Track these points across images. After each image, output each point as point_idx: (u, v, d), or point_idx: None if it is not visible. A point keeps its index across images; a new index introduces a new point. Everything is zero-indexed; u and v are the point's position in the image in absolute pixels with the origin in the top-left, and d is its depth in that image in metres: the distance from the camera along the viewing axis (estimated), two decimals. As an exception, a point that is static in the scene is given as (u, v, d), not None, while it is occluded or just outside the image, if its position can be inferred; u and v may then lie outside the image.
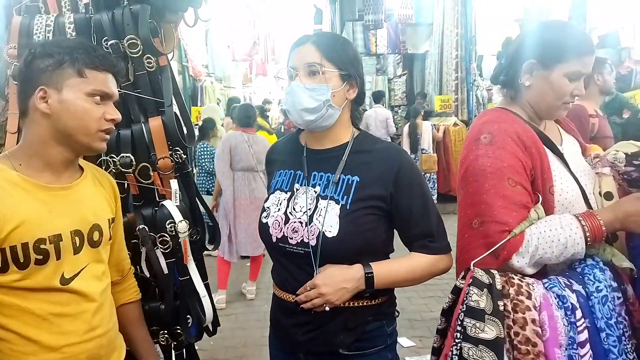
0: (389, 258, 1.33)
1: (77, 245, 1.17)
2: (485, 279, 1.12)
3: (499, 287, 1.11)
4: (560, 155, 1.29)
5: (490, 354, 1.06)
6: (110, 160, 1.58)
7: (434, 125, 7.32)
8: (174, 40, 1.68)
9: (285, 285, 1.30)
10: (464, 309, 1.10)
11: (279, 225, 1.29)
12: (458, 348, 1.10)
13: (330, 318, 1.24)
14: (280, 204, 1.32)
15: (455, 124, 7.37)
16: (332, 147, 1.32)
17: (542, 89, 1.28)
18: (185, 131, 1.68)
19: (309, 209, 1.26)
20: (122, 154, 1.58)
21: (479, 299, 1.09)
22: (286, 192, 1.33)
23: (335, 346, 1.26)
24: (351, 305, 1.24)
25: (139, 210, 1.60)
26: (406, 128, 7.24)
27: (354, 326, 1.25)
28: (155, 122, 1.59)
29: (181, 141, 1.62)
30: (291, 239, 1.26)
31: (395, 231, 1.34)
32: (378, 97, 8.25)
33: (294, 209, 1.29)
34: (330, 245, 1.20)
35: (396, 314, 1.37)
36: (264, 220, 1.33)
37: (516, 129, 1.25)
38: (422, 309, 3.99)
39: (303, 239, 1.24)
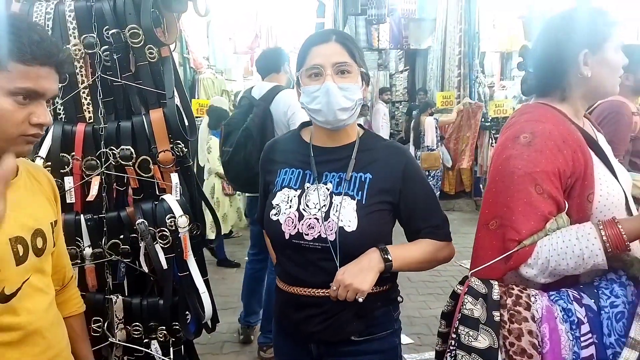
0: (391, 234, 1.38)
1: (21, 254, 0.99)
2: (481, 288, 1.12)
3: (495, 297, 1.11)
4: (604, 158, 1.24)
5: None
6: (110, 152, 1.56)
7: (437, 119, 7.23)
8: (176, 31, 1.64)
9: (296, 280, 1.31)
10: (459, 317, 1.10)
11: (292, 222, 1.28)
12: (453, 355, 1.11)
13: (342, 308, 1.26)
14: (291, 200, 1.31)
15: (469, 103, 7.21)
16: (340, 145, 1.35)
17: (602, 73, 1.25)
18: (186, 124, 1.65)
19: (324, 206, 1.27)
20: (122, 147, 1.55)
21: (473, 308, 1.10)
22: (296, 190, 1.32)
23: (348, 334, 1.30)
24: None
25: (138, 204, 1.57)
26: (413, 123, 7.18)
27: (364, 313, 1.29)
28: (156, 114, 1.56)
29: (182, 134, 1.59)
30: (307, 234, 1.26)
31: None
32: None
33: (307, 205, 1.29)
34: (349, 239, 1.23)
35: (400, 299, 1.41)
36: (274, 218, 1.31)
37: (561, 131, 1.19)
38: (421, 306, 3.97)
39: (320, 234, 1.25)
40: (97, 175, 1.57)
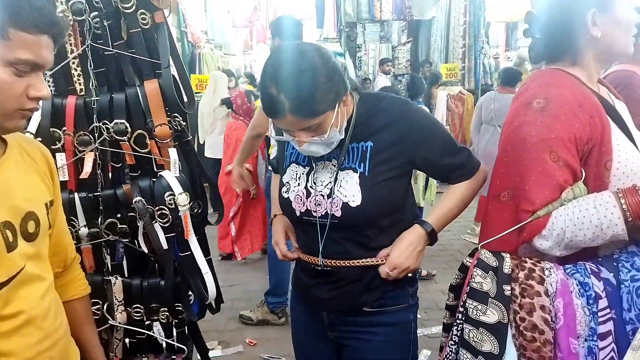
0: (414, 210, 1.40)
1: (10, 240, 0.92)
2: (491, 261, 1.08)
3: (506, 270, 1.07)
4: (621, 124, 1.18)
5: (491, 338, 1.04)
6: (104, 127, 1.47)
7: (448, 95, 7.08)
8: (170, -6, 1.53)
9: (311, 249, 1.33)
10: (468, 290, 1.08)
11: (301, 200, 1.31)
12: (459, 329, 1.09)
13: (353, 278, 1.29)
14: (300, 178, 1.33)
15: (460, 93, 7.14)
16: None
17: (612, 32, 1.17)
18: (184, 96, 1.56)
19: (330, 182, 1.27)
20: (115, 120, 1.46)
21: (483, 282, 1.06)
22: (304, 167, 1.34)
23: (359, 305, 1.32)
24: (374, 263, 1.28)
25: (135, 182, 1.50)
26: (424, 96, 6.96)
27: (376, 285, 1.30)
28: (152, 85, 1.47)
29: (180, 106, 1.50)
30: (315, 211, 1.28)
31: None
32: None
33: (314, 182, 1.30)
34: (354, 214, 1.23)
35: (416, 274, 1.41)
36: (285, 195, 1.35)
37: (577, 94, 1.13)
38: (427, 281, 3.94)
39: (327, 211, 1.26)
40: (91, 151, 1.49)
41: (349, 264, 1.28)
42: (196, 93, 6.07)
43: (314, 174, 1.30)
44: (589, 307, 1.03)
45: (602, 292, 1.04)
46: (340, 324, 1.36)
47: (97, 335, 1.28)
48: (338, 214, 1.24)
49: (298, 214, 1.31)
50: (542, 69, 1.28)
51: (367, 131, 1.27)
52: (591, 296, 1.03)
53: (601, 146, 1.11)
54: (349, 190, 1.24)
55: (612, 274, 1.05)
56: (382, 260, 1.27)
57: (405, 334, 1.36)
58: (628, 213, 1.01)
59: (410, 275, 1.32)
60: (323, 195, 1.27)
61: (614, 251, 1.10)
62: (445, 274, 4.04)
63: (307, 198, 1.29)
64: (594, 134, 1.11)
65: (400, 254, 1.26)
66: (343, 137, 1.25)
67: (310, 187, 1.30)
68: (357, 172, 1.25)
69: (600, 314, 1.03)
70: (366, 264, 1.28)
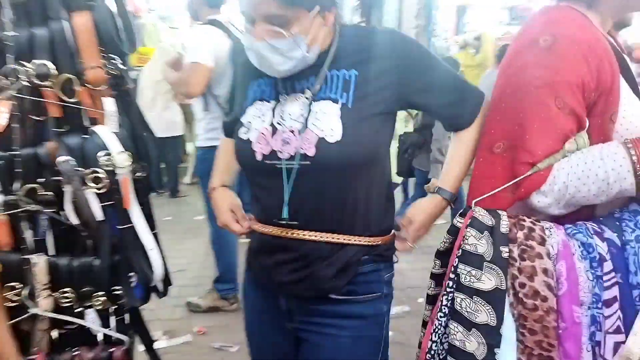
0: (389, 164, 1.24)
1: None
2: (487, 220, 0.98)
3: (504, 230, 0.97)
4: (629, 76, 1.09)
5: (487, 307, 0.95)
6: (21, 69, 1.22)
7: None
8: None
9: (271, 212, 1.12)
10: (459, 254, 0.99)
11: (264, 139, 1.09)
12: (450, 298, 1.00)
13: (320, 257, 1.11)
14: (264, 115, 1.12)
15: None
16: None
17: None
18: (122, 34, 1.33)
19: (302, 114, 1.07)
20: (36, 61, 1.22)
21: (477, 243, 0.97)
22: (269, 102, 1.14)
23: (325, 291, 1.13)
24: (344, 241, 1.10)
25: (62, 139, 1.27)
26: None
27: (346, 266, 1.12)
28: (82, 19, 1.24)
29: (118, 46, 1.27)
30: (281, 152, 1.07)
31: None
32: None
33: (281, 117, 1.10)
34: (332, 152, 1.04)
35: (395, 259, 1.23)
36: (244, 137, 1.12)
37: (588, 36, 1.02)
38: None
39: (298, 150, 1.05)
40: (6, 99, 1.23)
41: (321, 239, 1.09)
42: (137, 67, 5.70)
43: (280, 107, 1.12)
44: (593, 271, 0.96)
45: (607, 254, 0.97)
46: (301, 312, 1.18)
47: (7, 327, 1.11)
48: (311, 152, 1.04)
49: (260, 157, 1.10)
50: (550, 6, 1.15)
51: (351, 58, 1.10)
52: (595, 258, 0.96)
53: (609, 95, 1.03)
54: (327, 123, 1.05)
55: (616, 234, 0.98)
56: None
57: (376, 329, 1.19)
58: (638, 165, 0.94)
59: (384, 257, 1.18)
60: (293, 131, 1.07)
61: (613, 210, 1.03)
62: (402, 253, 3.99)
63: (272, 136, 1.09)
64: (602, 81, 1.02)
65: (423, 219, 1.18)
66: (314, 60, 1.08)
67: (278, 123, 1.10)
68: (337, 103, 1.07)
69: (605, 277, 0.96)
70: (355, 242, 1.11)
